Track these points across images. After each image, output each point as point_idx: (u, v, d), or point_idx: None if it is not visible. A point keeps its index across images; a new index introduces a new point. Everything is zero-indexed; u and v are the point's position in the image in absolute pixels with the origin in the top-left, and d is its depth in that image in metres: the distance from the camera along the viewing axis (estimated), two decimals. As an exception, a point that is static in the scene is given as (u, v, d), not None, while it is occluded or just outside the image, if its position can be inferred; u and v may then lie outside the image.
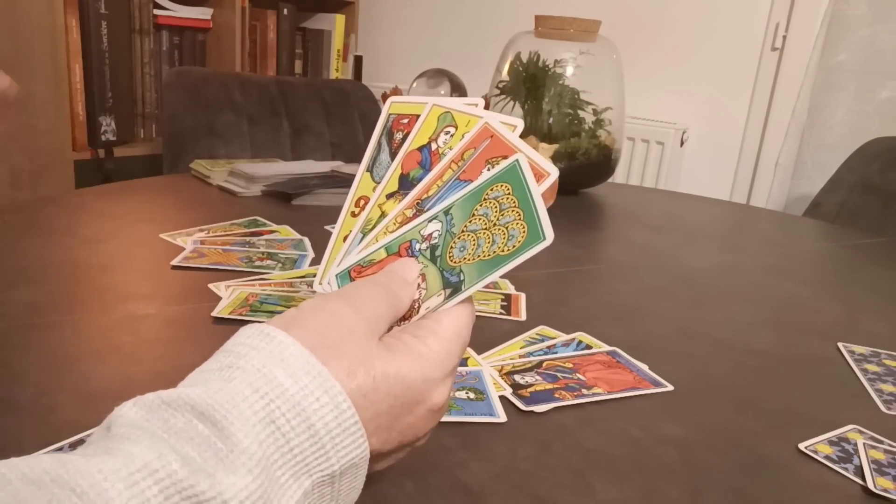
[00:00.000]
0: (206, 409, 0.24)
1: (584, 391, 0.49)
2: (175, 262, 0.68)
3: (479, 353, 0.53)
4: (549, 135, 1.17)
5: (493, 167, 0.30)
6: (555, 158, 1.13)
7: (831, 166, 1.41)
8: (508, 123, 0.32)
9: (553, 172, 0.29)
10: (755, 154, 1.94)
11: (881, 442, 0.46)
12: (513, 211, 0.29)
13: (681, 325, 0.64)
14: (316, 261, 0.72)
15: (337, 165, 1.18)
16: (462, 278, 0.30)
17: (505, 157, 0.30)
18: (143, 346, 0.50)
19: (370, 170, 0.35)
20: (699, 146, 2.01)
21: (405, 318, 0.31)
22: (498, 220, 0.30)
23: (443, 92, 1.25)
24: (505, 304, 0.65)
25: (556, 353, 0.55)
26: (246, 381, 0.25)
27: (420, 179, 0.33)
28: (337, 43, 2.40)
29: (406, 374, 0.28)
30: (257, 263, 0.69)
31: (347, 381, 0.27)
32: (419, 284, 0.31)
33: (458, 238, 0.31)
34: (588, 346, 0.57)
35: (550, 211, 0.30)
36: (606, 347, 0.57)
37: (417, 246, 0.32)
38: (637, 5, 2.01)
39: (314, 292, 0.34)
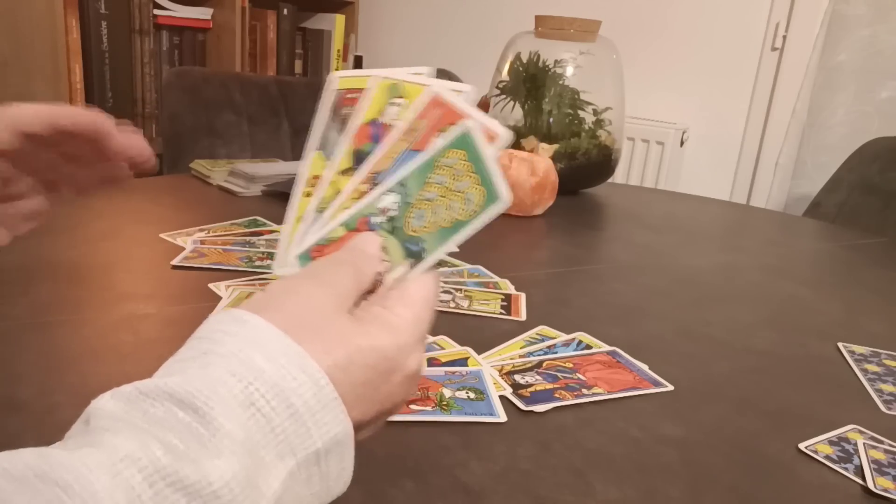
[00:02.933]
0: (186, 397, 0.24)
1: (584, 391, 0.49)
2: (175, 261, 0.68)
3: (479, 353, 0.53)
4: (549, 135, 1.17)
5: (444, 134, 0.30)
6: (555, 158, 1.13)
7: (831, 166, 1.41)
8: (456, 90, 0.32)
9: (504, 134, 0.29)
10: (755, 154, 1.94)
11: (881, 442, 0.46)
12: (468, 176, 0.29)
13: (681, 325, 0.64)
14: (316, 261, 0.72)
15: (337, 165, 1.18)
16: (423, 246, 0.30)
17: (455, 124, 0.30)
18: (143, 346, 0.50)
19: (321, 148, 0.35)
20: (699, 146, 2.01)
21: (371, 291, 0.31)
22: (454, 186, 0.30)
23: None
24: (505, 304, 0.65)
25: (556, 353, 0.55)
26: (223, 366, 0.25)
27: (372, 153, 0.33)
28: (337, 43, 2.40)
29: (380, 344, 0.29)
30: (257, 263, 0.69)
31: (324, 357, 0.27)
32: (381, 258, 0.31)
33: (416, 207, 0.31)
34: (588, 346, 0.57)
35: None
36: (606, 347, 0.57)
37: (375, 220, 0.32)
38: (637, 5, 2.01)
39: (275, 277, 0.34)
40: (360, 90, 0.35)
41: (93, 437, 0.23)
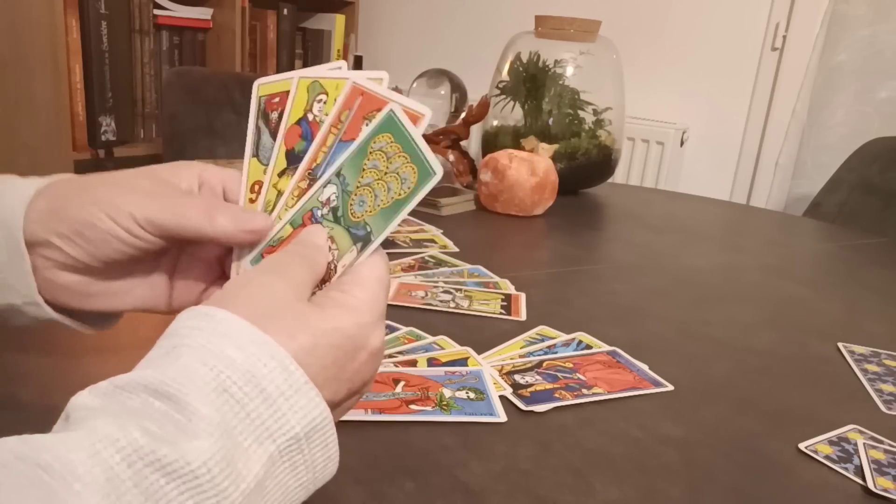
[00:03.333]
0: (160, 386, 0.24)
1: (584, 391, 0.49)
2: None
3: (479, 353, 0.53)
4: (549, 135, 1.17)
5: (370, 122, 0.32)
6: (555, 158, 1.13)
7: (831, 166, 1.41)
8: (375, 78, 0.33)
9: (426, 112, 0.31)
10: (755, 154, 1.94)
11: (881, 442, 0.46)
12: (399, 157, 0.31)
13: (681, 325, 0.64)
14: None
15: (337, 165, 1.18)
16: (369, 230, 0.32)
17: (379, 110, 0.31)
18: (143, 346, 0.50)
19: (256, 155, 0.36)
20: (699, 146, 2.01)
21: (324, 280, 0.33)
22: (388, 168, 0.31)
23: (443, 92, 1.25)
24: (505, 304, 0.65)
25: (556, 353, 0.55)
26: (194, 357, 0.26)
27: (306, 151, 0.34)
28: (337, 43, 2.40)
29: (341, 325, 0.29)
30: (257, 263, 0.69)
31: (290, 343, 0.27)
32: (330, 247, 0.33)
33: (355, 194, 0.32)
34: (588, 346, 0.57)
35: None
36: (606, 347, 0.57)
37: (319, 213, 0.33)
38: (637, 5, 2.01)
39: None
40: (282, 93, 0.36)
41: (73, 426, 0.24)
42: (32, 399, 0.42)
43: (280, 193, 0.34)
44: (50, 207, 0.33)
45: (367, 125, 0.32)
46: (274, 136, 0.35)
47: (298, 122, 0.34)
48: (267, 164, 0.35)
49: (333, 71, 0.34)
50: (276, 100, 0.36)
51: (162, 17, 1.93)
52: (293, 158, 0.34)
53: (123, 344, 0.50)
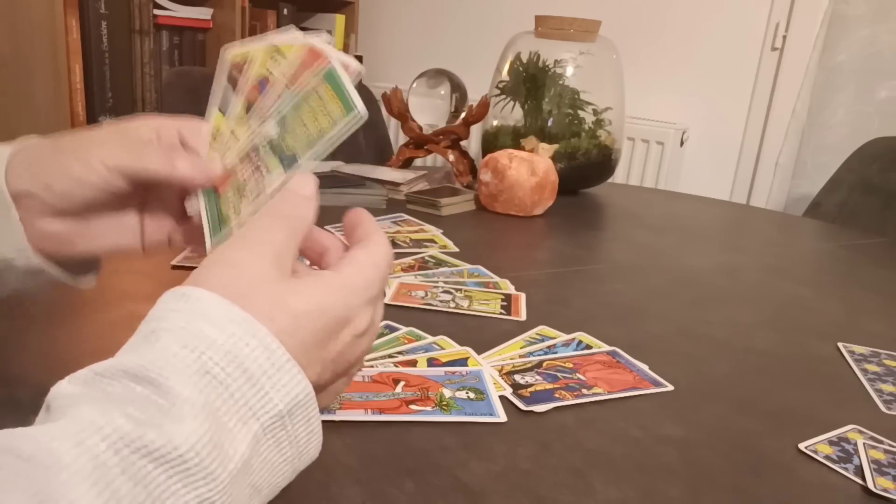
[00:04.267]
0: (140, 371, 0.24)
1: (584, 391, 0.49)
2: (175, 261, 0.68)
3: (479, 353, 0.53)
4: (549, 135, 1.17)
5: (315, 74, 0.37)
6: (555, 158, 1.13)
7: (831, 166, 1.41)
8: (322, 40, 0.39)
9: (356, 65, 0.36)
10: (755, 154, 1.94)
11: (881, 442, 0.46)
12: (332, 101, 0.35)
13: (681, 325, 0.64)
14: (316, 261, 0.72)
15: (337, 165, 1.18)
16: (297, 155, 0.35)
17: (321, 64, 0.37)
18: (143, 346, 0.50)
19: (221, 108, 0.42)
20: (699, 146, 2.01)
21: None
22: (320, 109, 0.35)
23: (443, 92, 1.25)
24: (505, 304, 0.65)
25: (556, 353, 0.55)
26: (173, 339, 0.26)
27: (260, 101, 0.39)
28: (337, 43, 2.40)
29: (324, 304, 0.29)
30: (257, 263, 0.69)
31: (269, 324, 0.27)
32: (261, 168, 0.36)
33: (290, 130, 0.36)
34: (588, 346, 0.57)
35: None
36: (606, 347, 0.57)
37: (261, 147, 0.37)
38: (637, 5, 2.01)
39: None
40: (242, 59, 0.42)
41: (54, 415, 0.23)
42: (32, 399, 0.42)
43: (237, 139, 0.40)
44: (28, 162, 0.37)
45: (310, 75, 0.37)
46: (237, 93, 0.42)
47: (258, 81, 0.39)
48: (227, 115, 0.41)
49: (287, 35, 0.40)
50: (241, 62, 0.42)
51: (162, 17, 1.93)
52: (250, 110, 0.40)
53: (123, 344, 0.50)
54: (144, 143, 0.39)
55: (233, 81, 0.42)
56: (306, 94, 0.37)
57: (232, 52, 0.43)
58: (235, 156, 0.39)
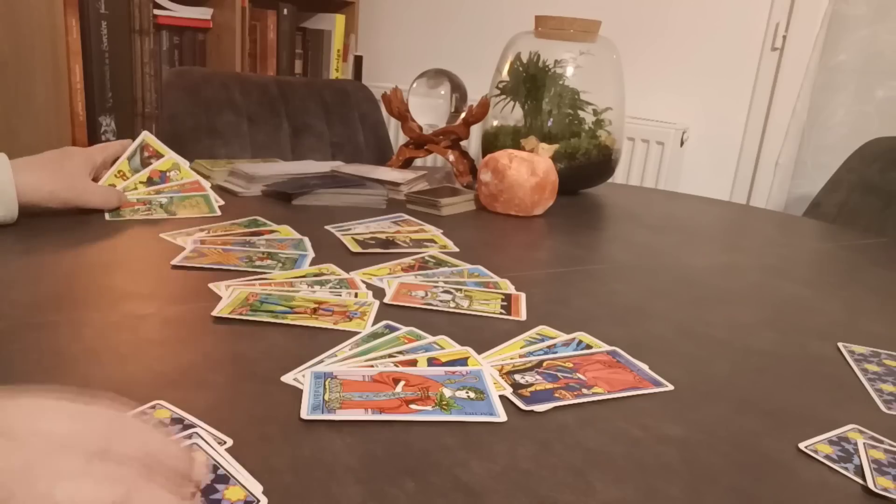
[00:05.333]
0: None
1: (585, 391, 0.49)
2: (175, 261, 0.68)
3: (479, 352, 0.53)
4: (549, 135, 1.17)
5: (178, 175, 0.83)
6: (555, 158, 1.13)
7: (831, 166, 1.41)
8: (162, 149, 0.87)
9: (170, 154, 0.84)
10: (755, 154, 1.94)
11: (881, 442, 0.46)
12: (156, 156, 0.79)
13: (681, 325, 0.64)
14: (316, 260, 0.72)
15: (337, 165, 1.18)
16: (176, 213, 0.73)
17: (160, 155, 0.85)
18: (143, 346, 0.50)
19: (129, 159, 0.85)
20: (699, 146, 2.01)
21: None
22: (194, 204, 0.75)
23: (443, 92, 1.25)
24: (505, 303, 0.65)
25: (556, 352, 0.55)
26: None
27: (158, 183, 0.86)
28: (337, 43, 2.40)
29: None
30: (257, 263, 0.69)
31: None
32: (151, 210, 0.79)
33: (175, 202, 0.74)
34: (588, 346, 0.57)
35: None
36: (606, 347, 0.57)
37: (153, 201, 0.76)
38: (637, 5, 2.01)
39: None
40: (156, 152, 0.86)
41: None
42: (32, 399, 0.42)
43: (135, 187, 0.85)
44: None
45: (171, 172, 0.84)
46: (143, 163, 0.86)
47: (161, 173, 0.83)
48: (133, 170, 0.85)
49: (184, 163, 0.88)
50: (151, 150, 0.86)
51: (162, 17, 1.93)
52: (151, 183, 0.84)
53: (123, 344, 0.50)
54: (80, 177, 0.71)
55: (143, 154, 0.84)
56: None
57: (148, 139, 0.83)
58: (134, 197, 0.82)
